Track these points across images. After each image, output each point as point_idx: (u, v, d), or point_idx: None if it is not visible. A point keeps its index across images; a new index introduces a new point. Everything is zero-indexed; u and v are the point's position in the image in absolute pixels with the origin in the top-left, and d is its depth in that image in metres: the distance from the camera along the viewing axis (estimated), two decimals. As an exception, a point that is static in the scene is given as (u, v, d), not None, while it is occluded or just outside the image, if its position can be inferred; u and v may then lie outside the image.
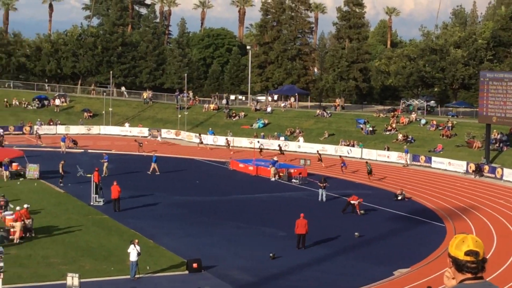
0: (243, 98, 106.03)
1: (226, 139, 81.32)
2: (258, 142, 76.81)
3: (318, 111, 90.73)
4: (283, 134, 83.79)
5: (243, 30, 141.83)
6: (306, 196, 51.36)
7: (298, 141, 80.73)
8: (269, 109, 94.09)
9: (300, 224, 35.64)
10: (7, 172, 53.73)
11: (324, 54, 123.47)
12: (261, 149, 73.40)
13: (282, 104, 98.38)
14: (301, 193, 53.11)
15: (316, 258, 34.03)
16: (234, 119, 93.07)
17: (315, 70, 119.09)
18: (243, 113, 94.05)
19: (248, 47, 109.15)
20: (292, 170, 60.18)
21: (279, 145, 75.47)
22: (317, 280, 30.62)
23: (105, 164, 56.76)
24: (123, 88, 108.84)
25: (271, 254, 33.55)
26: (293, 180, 58.00)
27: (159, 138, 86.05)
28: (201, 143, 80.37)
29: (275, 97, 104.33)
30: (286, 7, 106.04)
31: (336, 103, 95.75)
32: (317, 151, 71.11)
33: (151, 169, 59.67)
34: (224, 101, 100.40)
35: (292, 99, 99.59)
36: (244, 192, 52.95)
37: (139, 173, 59.37)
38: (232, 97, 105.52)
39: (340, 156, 67.24)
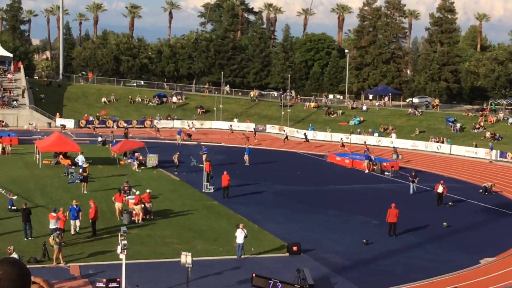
0: (341, 97, 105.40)
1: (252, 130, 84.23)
2: (284, 131, 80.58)
3: (410, 109, 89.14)
4: (377, 131, 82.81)
5: (341, 35, 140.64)
6: (398, 188, 50.57)
7: (391, 137, 79.58)
8: (364, 108, 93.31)
9: (392, 213, 35.22)
10: (136, 162, 55.05)
11: (416, 57, 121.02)
12: (286, 137, 78.04)
13: (377, 103, 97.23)
14: (393, 185, 52.33)
15: (406, 245, 33.48)
16: (332, 117, 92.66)
17: (408, 72, 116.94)
18: (340, 111, 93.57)
19: (346, 51, 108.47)
20: (385, 164, 59.35)
21: (341, 139, 75.02)
22: (406, 266, 30.12)
23: (204, 155, 57.25)
24: (227, 87, 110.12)
25: (364, 240, 33.28)
26: (386, 173, 57.22)
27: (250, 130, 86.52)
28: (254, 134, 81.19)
29: (370, 96, 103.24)
30: (382, 14, 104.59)
31: (434, 103, 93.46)
32: (341, 139, 72.49)
33: (247, 160, 59.59)
34: (323, 100, 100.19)
35: (386, 98, 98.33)
36: (340, 183, 52.61)
37: (245, 164, 59.80)
38: (331, 96, 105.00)
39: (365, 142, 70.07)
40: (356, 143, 73.33)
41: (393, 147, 69.44)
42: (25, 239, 31.20)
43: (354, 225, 37.62)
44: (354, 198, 46.29)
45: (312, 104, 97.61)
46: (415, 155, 68.57)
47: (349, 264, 30.08)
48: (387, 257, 31.33)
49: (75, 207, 32.76)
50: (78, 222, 32.68)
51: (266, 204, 42.67)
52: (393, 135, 79.95)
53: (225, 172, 44.62)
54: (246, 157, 59.93)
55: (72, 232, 32.25)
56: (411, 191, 47.97)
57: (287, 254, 31.02)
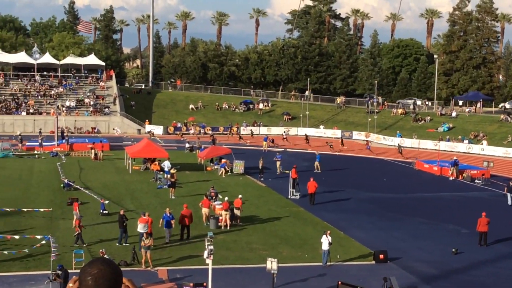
0: (429, 104, 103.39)
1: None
2: (284, 132, 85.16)
3: (502, 116, 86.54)
4: (467, 138, 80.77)
5: (430, 40, 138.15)
6: (489, 197, 49.15)
7: (482, 144, 77.45)
8: (454, 114, 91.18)
9: (482, 222, 34.26)
10: (223, 169, 55.67)
11: (509, 62, 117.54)
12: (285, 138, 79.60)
13: (467, 110, 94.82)
14: (484, 193, 50.87)
15: (497, 256, 32.49)
16: (420, 123, 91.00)
17: (500, 77, 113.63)
18: (429, 117, 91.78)
19: (435, 56, 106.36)
20: (474, 171, 57.80)
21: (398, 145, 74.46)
22: (497, 276, 29.24)
23: (278, 162, 57.08)
24: (306, 92, 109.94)
25: (453, 250, 32.51)
26: (476, 181, 55.70)
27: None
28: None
29: (460, 102, 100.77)
30: (473, 18, 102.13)
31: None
32: (398, 144, 73.94)
33: (318, 167, 58.94)
34: (411, 106, 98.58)
35: (478, 104, 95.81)
36: (428, 190, 51.59)
37: (331, 171, 59.52)
38: (419, 102, 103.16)
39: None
40: (445, 151, 71.77)
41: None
42: (117, 244, 31.87)
43: (443, 234, 36.81)
44: (442, 206, 45.28)
45: (400, 111, 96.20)
46: (507, 163, 66.47)
47: (438, 273, 29.45)
48: (478, 268, 30.51)
49: (168, 215, 33.05)
50: (170, 231, 32.83)
51: (352, 211, 42.33)
52: (484, 142, 77.81)
53: (311, 179, 44.54)
54: (316, 163, 59.46)
55: (166, 240, 32.59)
56: (510, 203, 46.03)
57: (373, 262, 30.66)
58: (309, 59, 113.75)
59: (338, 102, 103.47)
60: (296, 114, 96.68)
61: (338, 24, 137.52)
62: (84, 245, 31.06)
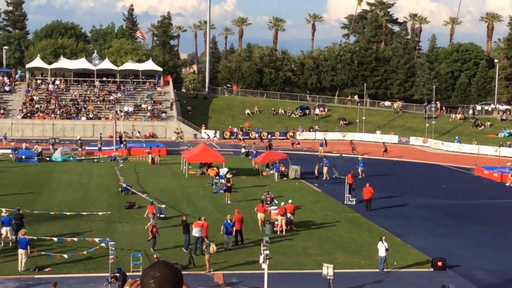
0: (489, 109, 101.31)
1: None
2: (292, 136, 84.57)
3: None
4: (528, 143, 78.94)
5: (490, 44, 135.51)
6: (552, 204, 47.83)
7: (545, 150, 75.54)
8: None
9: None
10: (278, 174, 55.74)
11: None
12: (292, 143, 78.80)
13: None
14: (547, 201, 49.54)
15: (561, 265, 31.57)
16: (479, 129, 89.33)
17: None
18: (489, 123, 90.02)
19: (495, 61, 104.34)
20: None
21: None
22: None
23: (325, 168, 56.53)
24: (356, 97, 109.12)
25: (515, 258, 31.74)
26: (539, 188, 54.32)
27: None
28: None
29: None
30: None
31: None
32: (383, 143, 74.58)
33: (361, 173, 58.06)
34: (470, 111, 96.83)
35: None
36: (488, 197, 50.54)
37: (387, 176, 58.91)
38: (478, 107, 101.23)
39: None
40: (506, 157, 70.26)
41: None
42: (184, 250, 31.95)
43: (505, 242, 35.97)
44: (504, 214, 44.29)
45: (459, 116, 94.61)
46: None
47: (499, 283, 28.79)
48: (540, 277, 29.70)
49: (229, 221, 32.95)
50: (231, 238, 32.63)
51: (410, 218, 41.77)
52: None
53: (367, 184, 44.17)
54: (360, 169, 58.54)
55: (225, 246, 32.41)
56: None
57: (431, 269, 30.17)
58: (365, 64, 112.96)
59: (395, 107, 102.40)
60: (353, 119, 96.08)
61: (395, 28, 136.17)
62: (153, 250, 31.33)
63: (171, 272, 4.08)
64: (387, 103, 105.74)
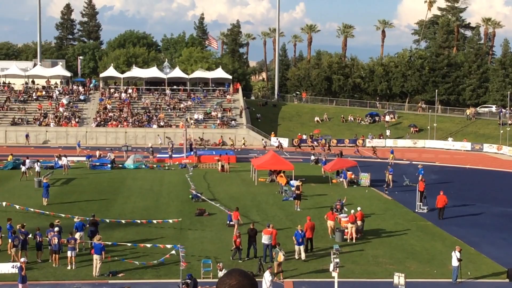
0: None
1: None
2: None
3: None
4: None
5: None
6: None
7: None
8: None
9: None
10: (346, 180, 55.47)
11: None
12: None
13: None
14: None
15: None
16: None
17: None
18: None
19: None
20: None
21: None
22: None
23: (390, 176, 55.47)
24: (421, 103, 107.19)
25: None
26: None
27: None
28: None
29: None
30: None
31: None
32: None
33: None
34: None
35: None
36: None
37: (460, 184, 57.69)
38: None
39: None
40: None
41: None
42: (247, 258, 32.06)
43: None
44: None
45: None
46: None
47: None
48: None
49: (300, 232, 32.38)
50: (302, 248, 32.13)
51: (484, 227, 40.76)
52: None
53: (441, 193, 43.36)
54: (420, 177, 57.19)
55: (296, 257, 32.03)
56: None
57: (506, 280, 29.36)
58: (436, 70, 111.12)
59: (468, 113, 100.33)
60: (423, 126, 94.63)
61: (468, 33, 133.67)
62: (240, 261, 31.27)
63: (247, 281, 4.10)
64: (483, 110, 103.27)
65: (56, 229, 31.43)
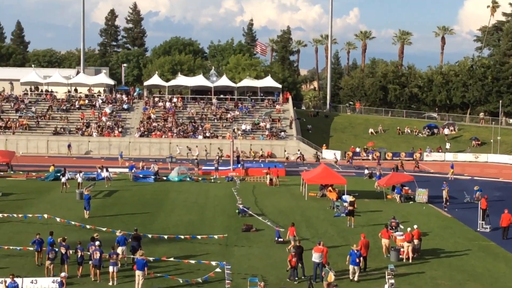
0: None
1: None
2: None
3: None
4: None
5: None
6: None
7: None
8: None
9: None
10: (398, 195, 54.99)
11: None
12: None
13: None
14: None
15: None
16: None
17: None
18: None
19: None
20: None
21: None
22: None
23: (444, 191, 54.27)
24: (481, 115, 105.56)
25: None
26: None
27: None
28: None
29: None
30: None
31: None
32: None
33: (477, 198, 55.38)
34: None
35: None
36: None
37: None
38: None
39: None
40: None
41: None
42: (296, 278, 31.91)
43: None
44: None
45: None
46: None
47: None
48: None
49: (355, 251, 31.80)
50: (357, 268, 31.62)
51: (552, 248, 39.81)
52: None
53: (506, 211, 42.51)
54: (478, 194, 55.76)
55: (350, 277, 31.61)
56: None
57: None
58: (501, 79, 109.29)
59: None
60: (486, 140, 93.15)
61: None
62: (296, 282, 30.86)
63: None
64: None
65: (97, 243, 31.84)
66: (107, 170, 62.29)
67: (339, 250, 36.62)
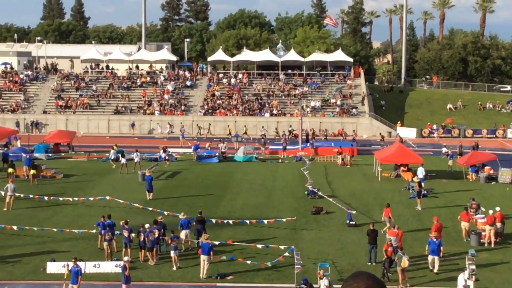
0: None
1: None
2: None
3: None
4: None
5: None
6: None
7: None
8: None
9: None
10: (472, 173, 54.03)
11: None
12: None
13: None
14: None
15: None
16: None
17: None
18: None
19: None
20: None
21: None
22: None
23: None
24: None
25: None
26: None
27: None
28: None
29: None
30: None
31: None
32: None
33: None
34: None
35: None
36: None
37: None
38: None
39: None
40: None
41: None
42: (369, 263, 31.77)
43: None
44: None
45: None
46: None
47: None
48: None
49: (435, 240, 30.93)
50: (437, 259, 30.74)
51: None
52: None
53: None
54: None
55: (430, 267, 31.01)
56: None
57: None
58: None
59: None
60: None
61: None
62: (390, 274, 29.83)
63: (376, 285, 4.05)
64: None
65: (147, 225, 32.49)
66: (165, 151, 63.06)
67: (414, 234, 36.30)
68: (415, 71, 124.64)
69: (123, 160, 58.10)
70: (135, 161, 58.21)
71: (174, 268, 30.79)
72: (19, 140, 69.96)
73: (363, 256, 32.53)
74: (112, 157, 60.29)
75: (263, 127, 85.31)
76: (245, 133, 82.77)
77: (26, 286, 28.86)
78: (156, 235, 31.74)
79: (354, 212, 40.58)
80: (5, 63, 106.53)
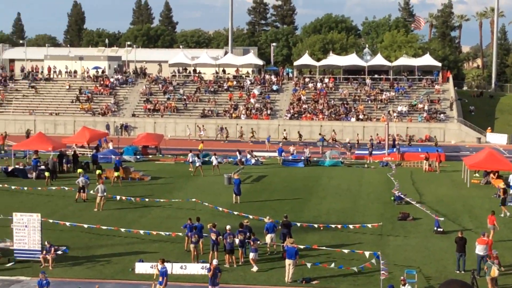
0: None
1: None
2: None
3: None
4: None
5: None
6: None
7: None
8: None
9: None
10: None
11: None
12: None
13: None
14: None
15: None
16: None
17: None
18: None
19: None
20: None
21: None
22: None
23: None
24: None
25: None
26: None
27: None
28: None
29: None
30: None
31: None
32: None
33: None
34: None
35: None
36: None
37: None
38: None
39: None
40: None
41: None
42: (457, 271, 31.12)
43: None
44: None
45: None
46: None
47: None
48: None
49: None
50: None
51: None
52: None
53: None
54: None
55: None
56: None
57: None
58: None
59: None
60: None
61: None
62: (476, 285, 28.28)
63: None
64: None
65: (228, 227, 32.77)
66: (240, 153, 64.58)
67: (506, 244, 35.45)
68: (506, 76, 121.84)
69: (198, 163, 58.39)
70: (213, 164, 58.81)
71: (254, 269, 30.90)
72: (111, 143, 71.57)
73: (451, 264, 31.94)
74: (190, 160, 60.60)
75: (320, 133, 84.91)
76: (332, 138, 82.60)
77: (115, 285, 29.49)
78: (238, 239, 31.95)
79: (442, 219, 39.95)
80: (96, 67, 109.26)
